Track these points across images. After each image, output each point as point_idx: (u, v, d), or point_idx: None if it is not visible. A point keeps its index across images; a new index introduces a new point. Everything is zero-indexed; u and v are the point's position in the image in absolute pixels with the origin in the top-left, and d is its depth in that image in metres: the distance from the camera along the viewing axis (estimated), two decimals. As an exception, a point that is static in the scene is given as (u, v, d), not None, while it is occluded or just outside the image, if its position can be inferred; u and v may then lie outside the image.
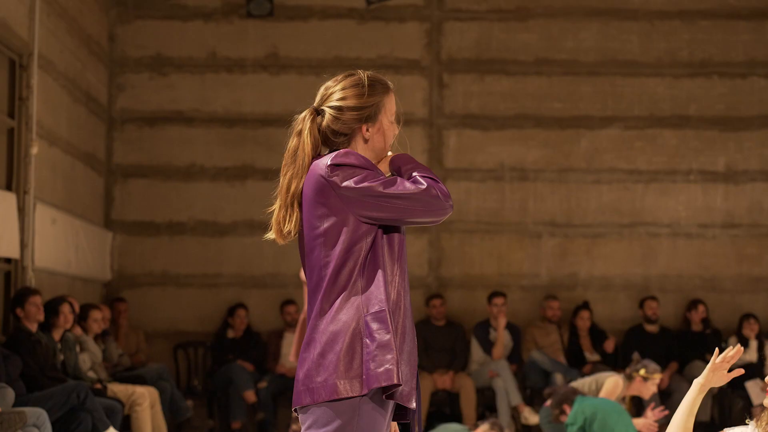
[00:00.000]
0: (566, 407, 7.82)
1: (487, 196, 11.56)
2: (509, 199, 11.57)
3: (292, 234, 3.61)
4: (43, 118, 9.12)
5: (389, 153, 3.70)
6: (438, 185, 3.49)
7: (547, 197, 11.58)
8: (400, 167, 3.58)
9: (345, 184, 3.44)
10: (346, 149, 3.54)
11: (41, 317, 8.02)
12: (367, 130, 3.60)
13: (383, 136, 3.63)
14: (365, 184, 3.44)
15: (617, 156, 11.61)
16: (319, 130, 3.60)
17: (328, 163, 3.47)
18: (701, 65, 11.66)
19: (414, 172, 3.53)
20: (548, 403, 8.05)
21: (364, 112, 3.59)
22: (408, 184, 3.46)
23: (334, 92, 3.60)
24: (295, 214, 3.59)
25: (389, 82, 3.68)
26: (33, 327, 7.94)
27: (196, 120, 11.49)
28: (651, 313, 11.11)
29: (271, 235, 3.64)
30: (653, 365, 8.20)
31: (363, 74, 3.64)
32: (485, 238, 11.56)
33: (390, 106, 3.64)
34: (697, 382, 4.27)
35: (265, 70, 11.54)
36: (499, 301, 10.94)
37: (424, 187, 3.46)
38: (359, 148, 3.61)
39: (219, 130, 11.49)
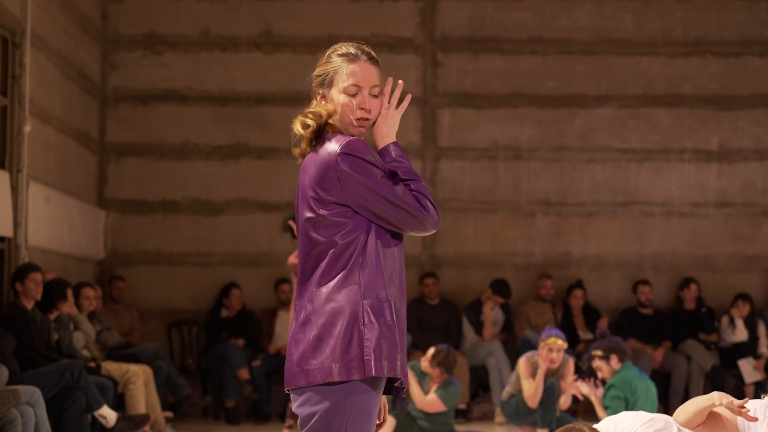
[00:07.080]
0: (614, 357, 7.67)
1: (480, 174, 11.55)
2: (503, 178, 11.56)
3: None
4: (35, 96, 9.09)
5: (387, 135, 3.60)
6: (435, 210, 3.51)
7: (541, 176, 11.57)
8: (397, 171, 3.53)
9: (352, 173, 3.42)
10: (355, 137, 3.49)
11: (39, 296, 8.00)
12: (322, 98, 3.60)
13: (338, 107, 3.55)
14: (371, 181, 3.43)
15: (611, 135, 11.60)
16: None
17: (338, 150, 3.45)
18: (695, 44, 11.64)
19: (413, 186, 3.50)
20: (596, 346, 7.85)
21: (318, 80, 3.61)
22: (410, 200, 3.46)
23: None
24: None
25: (359, 52, 3.58)
26: (29, 304, 7.93)
27: (189, 98, 11.45)
28: (644, 299, 11.12)
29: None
30: (547, 332, 8.21)
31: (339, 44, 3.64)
32: (479, 216, 11.56)
33: (344, 74, 3.55)
34: (712, 397, 4.41)
35: (259, 49, 11.50)
36: (489, 291, 10.99)
37: (426, 213, 3.47)
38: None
39: (212, 108, 11.46)
